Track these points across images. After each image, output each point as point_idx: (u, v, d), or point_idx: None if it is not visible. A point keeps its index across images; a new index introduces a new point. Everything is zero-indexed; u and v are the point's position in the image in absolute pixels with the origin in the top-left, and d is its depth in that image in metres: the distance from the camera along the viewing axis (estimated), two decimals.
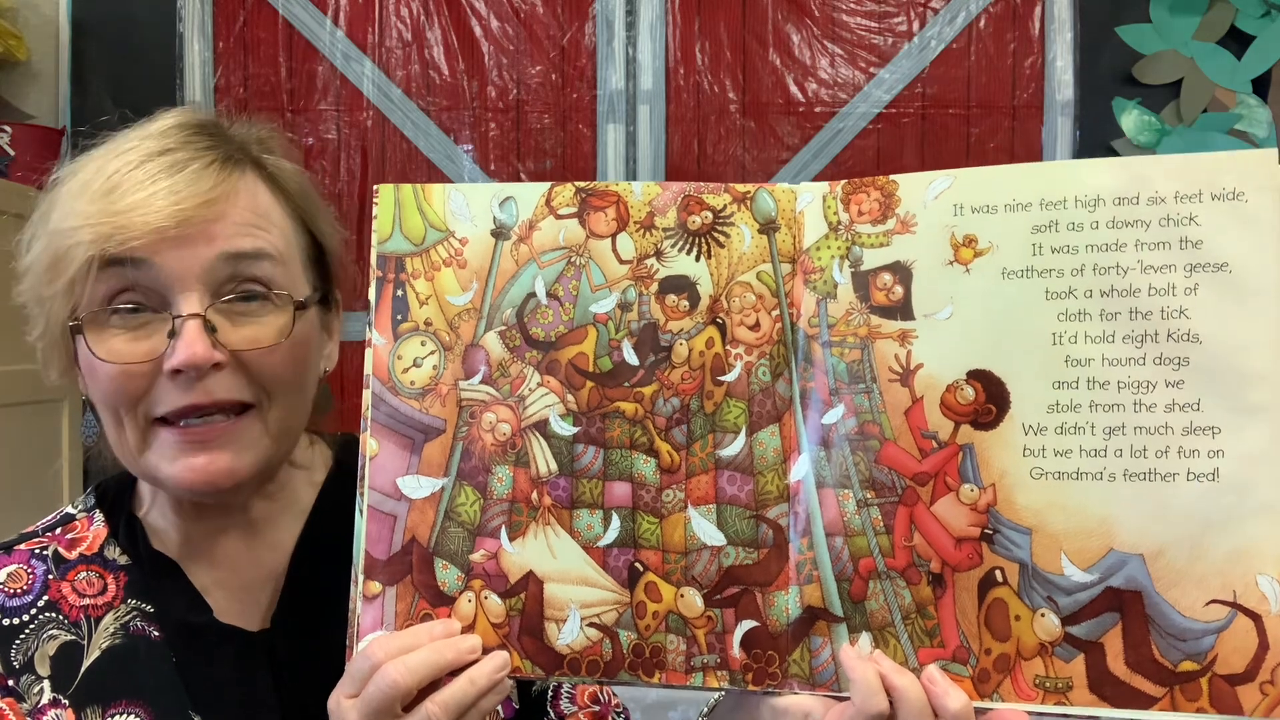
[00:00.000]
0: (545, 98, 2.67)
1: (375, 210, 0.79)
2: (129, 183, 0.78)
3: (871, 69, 2.67)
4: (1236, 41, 2.54)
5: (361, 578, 0.77)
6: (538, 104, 2.67)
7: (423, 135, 2.64)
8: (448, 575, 0.76)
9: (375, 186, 0.79)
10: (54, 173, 0.84)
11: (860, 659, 0.70)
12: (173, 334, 0.78)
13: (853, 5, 2.67)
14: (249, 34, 2.63)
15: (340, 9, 2.64)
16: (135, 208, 0.77)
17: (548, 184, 0.78)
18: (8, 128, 2.36)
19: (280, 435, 0.85)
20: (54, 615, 0.86)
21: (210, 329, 0.79)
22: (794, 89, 2.68)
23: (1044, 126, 2.64)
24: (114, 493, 0.93)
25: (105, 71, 2.55)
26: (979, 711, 0.68)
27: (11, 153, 2.34)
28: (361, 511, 0.77)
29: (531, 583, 0.75)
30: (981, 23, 2.65)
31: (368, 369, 0.77)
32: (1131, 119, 2.56)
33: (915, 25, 2.66)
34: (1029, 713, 0.69)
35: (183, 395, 0.79)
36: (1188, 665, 0.66)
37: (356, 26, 2.65)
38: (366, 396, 0.77)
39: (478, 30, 2.66)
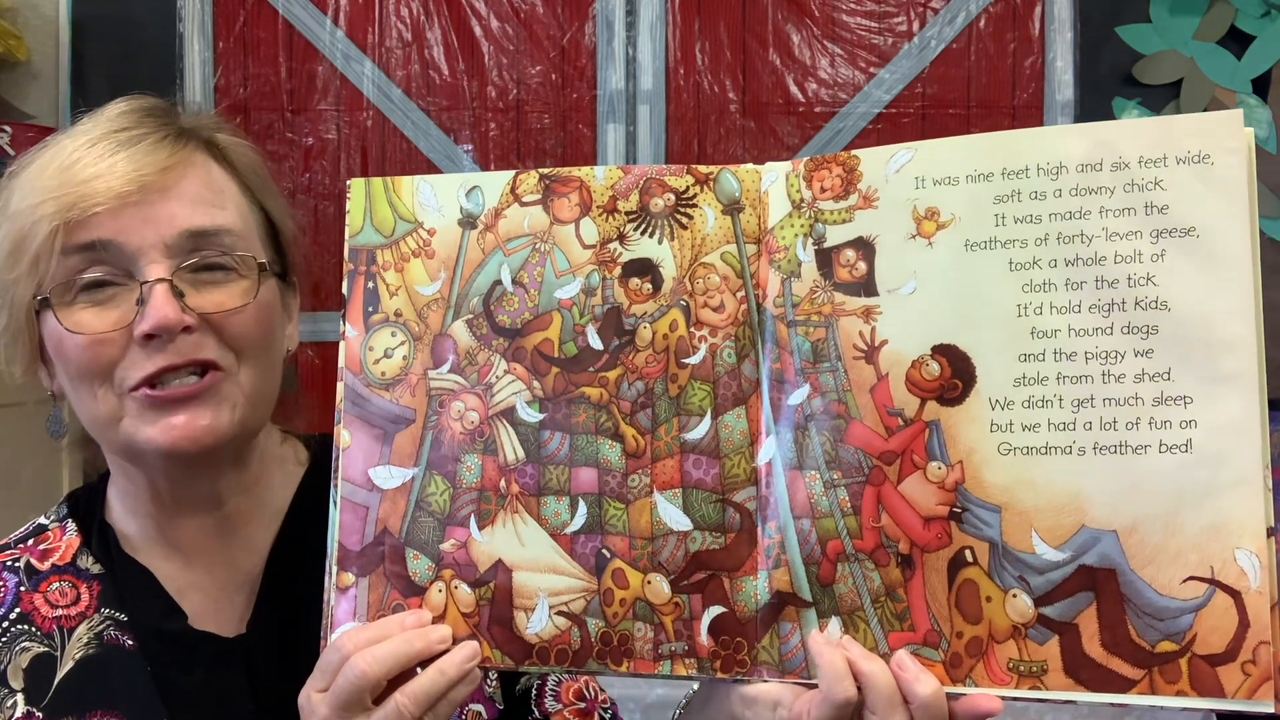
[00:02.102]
0: (545, 98, 2.67)
1: (348, 204, 0.79)
2: (88, 158, 0.79)
3: (871, 69, 2.65)
4: (1236, 41, 2.52)
5: (335, 569, 0.76)
6: (538, 104, 2.67)
7: (423, 135, 2.64)
8: (419, 565, 0.75)
9: (349, 181, 0.80)
10: (12, 166, 0.85)
11: (828, 645, 0.69)
12: (141, 301, 0.79)
13: (853, 5, 2.66)
14: (249, 34, 2.63)
15: (340, 9, 2.64)
16: (97, 177, 0.78)
17: (513, 172, 0.78)
18: (8, 128, 2.37)
19: (253, 398, 0.84)
20: (26, 627, 0.85)
21: (178, 293, 0.80)
22: (794, 89, 2.67)
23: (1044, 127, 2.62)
24: (86, 501, 0.93)
25: (105, 71, 2.55)
26: (951, 697, 0.67)
27: (12, 152, 2.35)
28: (335, 503, 0.77)
29: (500, 572, 0.74)
30: (981, 23, 2.63)
31: (341, 361, 0.78)
32: (1132, 119, 2.55)
33: (915, 25, 2.65)
34: (1003, 697, 0.67)
35: (154, 359, 0.79)
36: (1166, 646, 0.64)
37: (356, 26, 2.65)
38: (340, 388, 0.78)
39: (478, 30, 2.65)
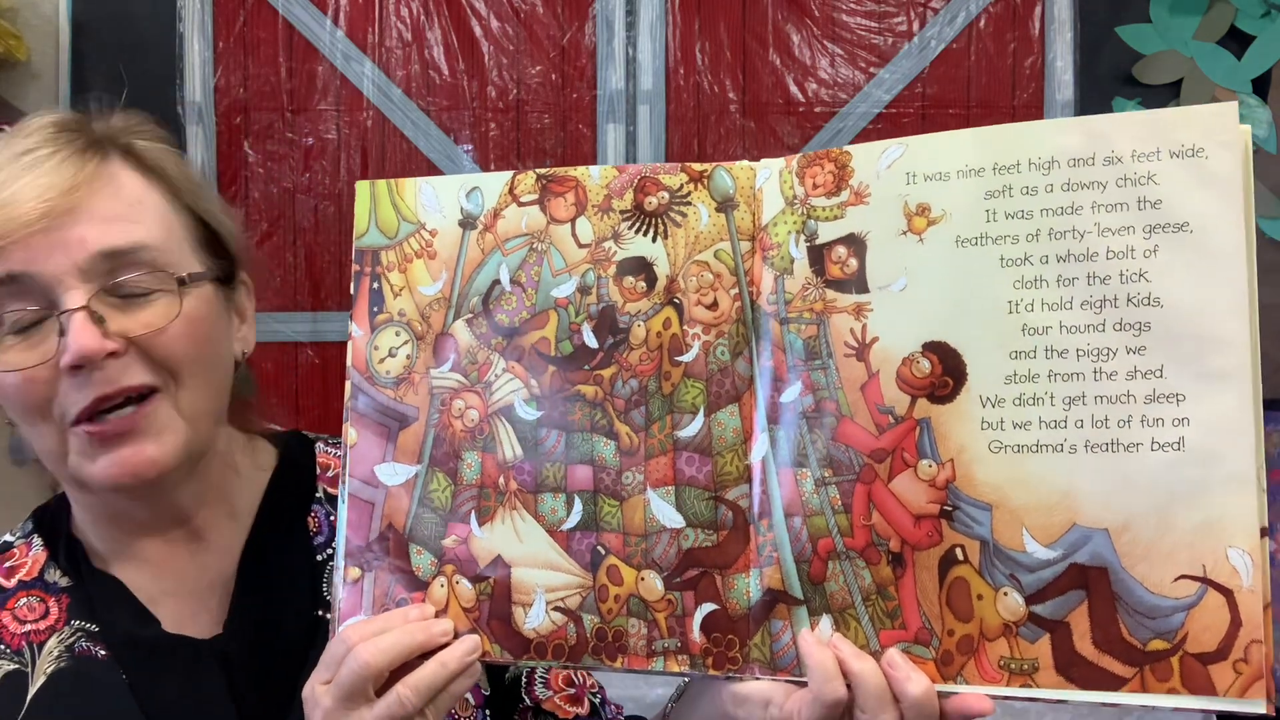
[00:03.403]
0: (545, 98, 2.67)
1: (355, 206, 0.81)
2: None
3: (871, 69, 2.65)
4: (1236, 41, 2.52)
5: (343, 563, 0.78)
6: (538, 104, 2.67)
7: (423, 135, 2.64)
8: (422, 560, 0.77)
9: (356, 184, 0.81)
10: None
11: (818, 644, 0.68)
12: (62, 332, 0.77)
13: (853, 5, 2.65)
14: (249, 34, 2.63)
15: (340, 9, 2.64)
16: (1, 208, 0.76)
17: (511, 173, 0.79)
18: (7, 128, 2.37)
19: (195, 418, 0.83)
20: None
21: (98, 319, 0.77)
22: (794, 89, 2.67)
23: None
24: (52, 515, 0.92)
25: (105, 71, 2.55)
26: (942, 695, 0.67)
27: None
28: (343, 499, 0.79)
29: (500, 567, 0.75)
30: (981, 23, 2.63)
31: (348, 360, 0.80)
32: None
33: (915, 25, 2.64)
34: (994, 696, 0.67)
35: (87, 391, 0.78)
36: (1157, 644, 0.64)
37: (356, 26, 2.65)
38: (347, 387, 0.80)
39: (478, 30, 2.65)
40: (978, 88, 2.65)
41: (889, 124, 2.64)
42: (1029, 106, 2.62)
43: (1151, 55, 2.54)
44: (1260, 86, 2.52)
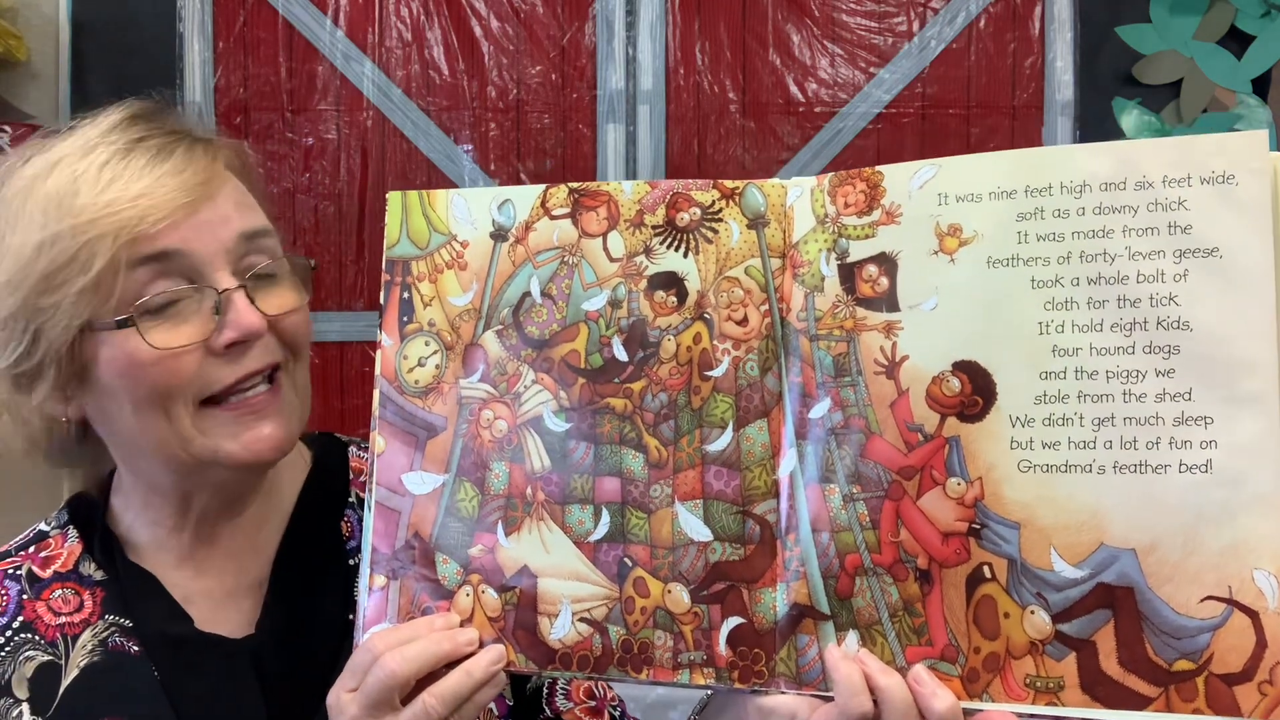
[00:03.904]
0: (545, 98, 2.67)
1: (386, 216, 0.82)
2: (129, 173, 0.78)
3: (871, 69, 2.66)
4: (1236, 41, 2.52)
5: (368, 571, 0.78)
6: (538, 104, 2.67)
7: (423, 135, 2.64)
8: (448, 570, 0.77)
9: (387, 195, 0.82)
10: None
11: (844, 658, 0.69)
12: (218, 310, 0.79)
13: (853, 5, 2.66)
14: (249, 34, 2.62)
15: (340, 9, 2.64)
16: (150, 190, 0.77)
17: (543, 186, 0.79)
18: (8, 128, 2.36)
19: (304, 395, 0.87)
20: (30, 636, 0.85)
21: (250, 299, 0.80)
22: (794, 89, 2.67)
23: (1044, 126, 2.62)
24: (87, 507, 0.92)
25: (105, 71, 2.54)
26: (968, 712, 0.67)
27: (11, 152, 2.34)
28: (370, 506, 0.79)
29: (526, 577, 0.76)
30: (981, 23, 2.64)
31: (377, 369, 0.80)
32: (1131, 119, 2.55)
33: (915, 25, 2.65)
34: (1019, 713, 0.67)
35: (237, 367, 0.80)
36: (1183, 664, 0.64)
37: (356, 26, 2.64)
38: (375, 395, 0.80)
39: (478, 30, 2.65)
40: (978, 88, 2.65)
41: (889, 124, 2.65)
42: (1029, 106, 2.63)
43: (1151, 55, 2.55)
44: (1260, 86, 2.53)
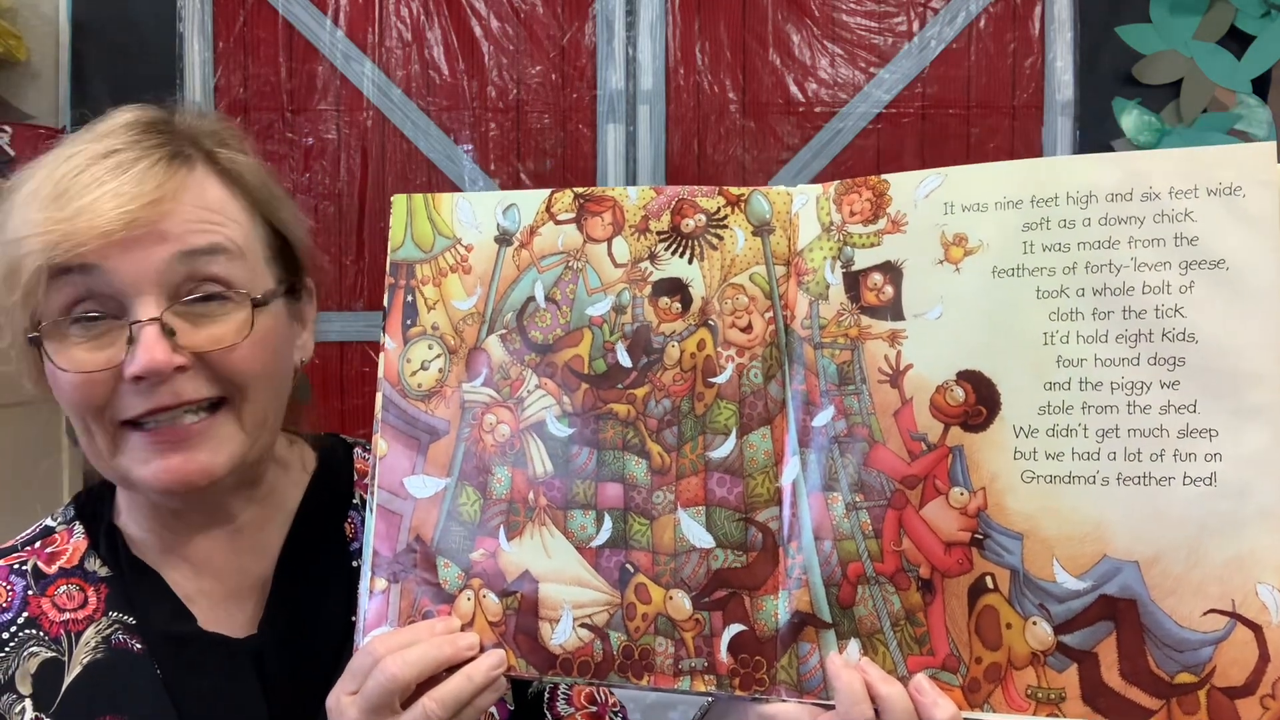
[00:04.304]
0: (545, 98, 2.66)
1: (390, 219, 0.82)
2: (75, 187, 0.77)
3: (871, 69, 2.65)
4: (1236, 41, 2.52)
5: (369, 574, 0.78)
6: (538, 104, 2.66)
7: (423, 135, 2.64)
8: (449, 573, 0.77)
9: (391, 197, 0.82)
10: (10, 179, 0.82)
11: (846, 667, 0.69)
12: (131, 340, 0.77)
13: (853, 5, 2.66)
14: (249, 34, 2.62)
15: (340, 9, 2.63)
16: (81, 213, 0.76)
17: (548, 190, 0.79)
18: (8, 128, 2.36)
19: (255, 430, 0.83)
20: (34, 632, 0.85)
21: (169, 332, 0.78)
22: (794, 89, 2.67)
23: (1044, 126, 2.62)
24: (93, 503, 0.92)
25: (105, 71, 2.54)
26: None
27: (11, 153, 2.33)
28: (371, 509, 0.79)
29: (527, 582, 0.76)
30: (981, 23, 2.64)
31: (380, 372, 0.80)
32: (1131, 119, 2.55)
33: (915, 25, 2.65)
34: None
35: (146, 399, 0.78)
36: (1185, 677, 0.64)
37: (356, 26, 2.64)
38: (378, 398, 0.80)
39: (478, 30, 2.65)
40: (978, 88, 2.65)
41: (889, 124, 2.65)
42: (1029, 106, 2.63)
43: (1151, 55, 2.55)
44: (1260, 86, 2.52)
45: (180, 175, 0.80)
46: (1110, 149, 2.55)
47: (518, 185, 2.63)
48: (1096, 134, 2.58)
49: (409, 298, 0.80)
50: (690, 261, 0.76)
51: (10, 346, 0.83)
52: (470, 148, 2.65)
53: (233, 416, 0.82)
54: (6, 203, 0.81)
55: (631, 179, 2.64)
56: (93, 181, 0.77)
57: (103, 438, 0.80)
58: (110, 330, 0.78)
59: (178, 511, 0.87)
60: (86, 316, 0.78)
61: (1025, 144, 2.62)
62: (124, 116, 0.83)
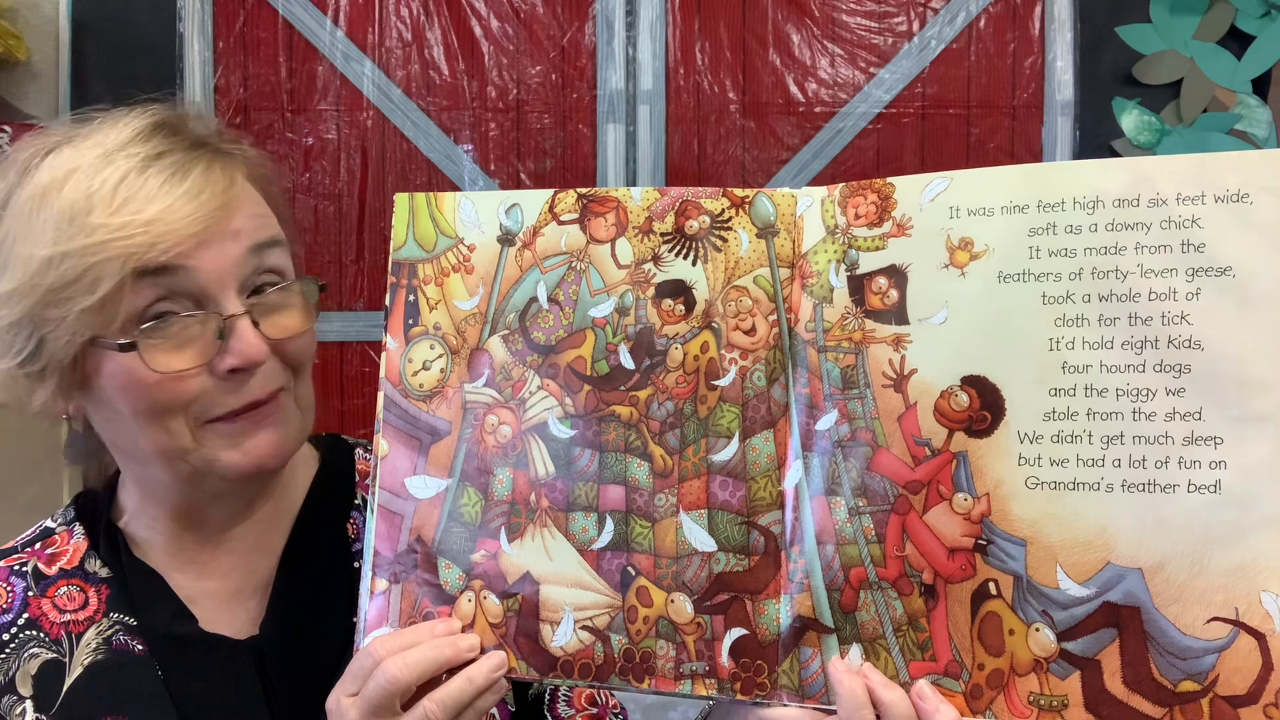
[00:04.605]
0: (545, 98, 2.66)
1: (393, 218, 0.81)
2: (144, 193, 0.77)
3: (871, 69, 2.65)
4: (1236, 41, 2.52)
5: (370, 574, 0.78)
6: (538, 104, 2.66)
7: (423, 135, 2.63)
8: (450, 574, 0.77)
9: (394, 196, 0.82)
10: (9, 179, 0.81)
11: (848, 672, 0.69)
12: (221, 335, 0.79)
13: (853, 5, 2.65)
14: (249, 34, 2.61)
15: (340, 9, 2.63)
16: (163, 215, 0.76)
17: (552, 190, 0.79)
18: (8, 128, 2.36)
19: (306, 410, 0.86)
20: (35, 633, 0.85)
21: (255, 324, 0.80)
22: (794, 89, 2.67)
23: (1044, 126, 2.62)
24: (93, 504, 0.92)
25: (105, 71, 2.53)
26: None
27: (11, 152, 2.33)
28: (372, 510, 0.79)
29: (528, 584, 0.75)
30: (981, 23, 2.63)
31: (381, 372, 0.80)
32: (1131, 119, 2.55)
33: (915, 25, 2.64)
34: None
35: (242, 394, 0.80)
36: (1188, 685, 0.64)
37: (356, 26, 2.64)
38: (380, 398, 0.80)
39: (478, 30, 2.64)
40: (978, 88, 2.65)
41: (889, 124, 2.65)
42: (1029, 106, 2.63)
43: (1151, 55, 2.54)
44: (1260, 86, 2.52)
45: (231, 174, 0.82)
46: (1110, 149, 2.55)
47: (518, 185, 2.62)
48: (1096, 134, 2.58)
49: (411, 297, 0.80)
50: (694, 263, 0.75)
51: (26, 362, 0.80)
52: (470, 148, 2.65)
53: (291, 399, 0.84)
54: (21, 218, 0.78)
55: (631, 179, 2.64)
56: (161, 185, 0.77)
57: (181, 435, 0.80)
58: (190, 327, 0.78)
59: (208, 507, 0.87)
60: (161, 316, 0.78)
61: (1025, 144, 2.62)
62: (144, 120, 0.82)
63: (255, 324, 0.80)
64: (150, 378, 0.78)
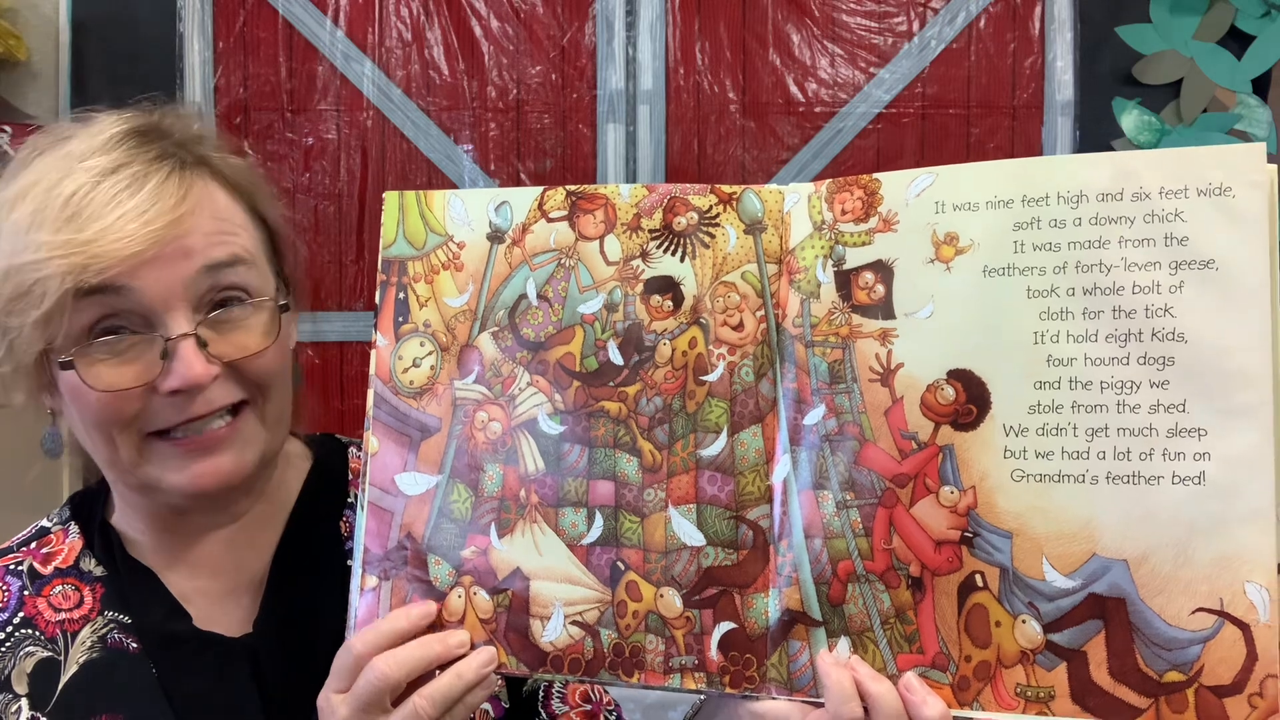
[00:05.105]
0: (545, 98, 2.66)
1: (382, 216, 0.81)
2: (91, 206, 0.76)
3: (871, 69, 2.65)
4: (1236, 41, 2.52)
5: (360, 571, 0.78)
6: (538, 104, 2.66)
7: (423, 135, 2.64)
8: (440, 571, 0.77)
9: (384, 194, 0.82)
10: None
11: (835, 664, 0.69)
12: (165, 355, 0.78)
13: (853, 5, 2.66)
14: (249, 34, 2.62)
15: (340, 9, 2.63)
16: (105, 234, 0.75)
17: (540, 188, 0.79)
18: (8, 128, 2.36)
19: (275, 424, 0.85)
20: (30, 632, 0.85)
21: (202, 344, 0.79)
22: (794, 89, 2.67)
23: (1044, 126, 2.62)
24: (88, 503, 0.92)
25: (105, 71, 2.54)
26: None
27: (12, 153, 2.34)
28: (362, 507, 0.79)
29: (518, 580, 0.76)
30: (981, 23, 2.63)
31: (371, 369, 0.80)
32: (1131, 119, 2.55)
33: (915, 25, 2.64)
34: None
35: (181, 410, 0.79)
36: (1173, 676, 0.64)
37: (356, 26, 2.64)
38: (370, 395, 0.80)
39: (478, 30, 2.65)
40: (978, 88, 2.65)
41: (889, 124, 2.65)
42: (1029, 106, 2.63)
43: (1151, 55, 2.54)
44: (1260, 86, 2.52)
45: (194, 188, 0.81)
46: (1110, 149, 2.55)
47: (517, 185, 2.63)
48: (1096, 134, 2.58)
49: (401, 295, 0.80)
50: (682, 259, 0.76)
51: (1, 362, 0.82)
52: (470, 148, 2.65)
53: (255, 416, 0.83)
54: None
55: (631, 179, 2.64)
56: (109, 200, 0.76)
57: (128, 449, 0.80)
58: (135, 345, 0.78)
59: (182, 514, 0.87)
60: (109, 331, 0.78)
61: (1025, 144, 2.62)
62: (117, 127, 0.82)
63: (204, 344, 0.78)
64: (91, 393, 0.78)
